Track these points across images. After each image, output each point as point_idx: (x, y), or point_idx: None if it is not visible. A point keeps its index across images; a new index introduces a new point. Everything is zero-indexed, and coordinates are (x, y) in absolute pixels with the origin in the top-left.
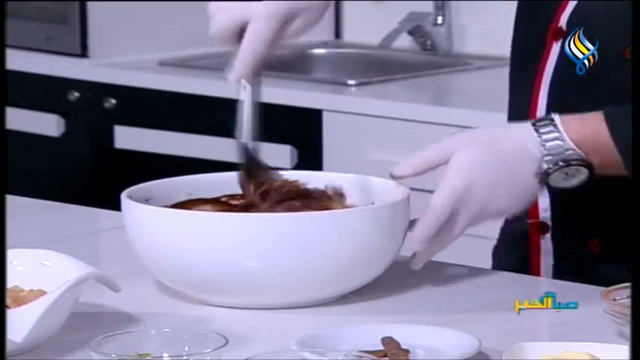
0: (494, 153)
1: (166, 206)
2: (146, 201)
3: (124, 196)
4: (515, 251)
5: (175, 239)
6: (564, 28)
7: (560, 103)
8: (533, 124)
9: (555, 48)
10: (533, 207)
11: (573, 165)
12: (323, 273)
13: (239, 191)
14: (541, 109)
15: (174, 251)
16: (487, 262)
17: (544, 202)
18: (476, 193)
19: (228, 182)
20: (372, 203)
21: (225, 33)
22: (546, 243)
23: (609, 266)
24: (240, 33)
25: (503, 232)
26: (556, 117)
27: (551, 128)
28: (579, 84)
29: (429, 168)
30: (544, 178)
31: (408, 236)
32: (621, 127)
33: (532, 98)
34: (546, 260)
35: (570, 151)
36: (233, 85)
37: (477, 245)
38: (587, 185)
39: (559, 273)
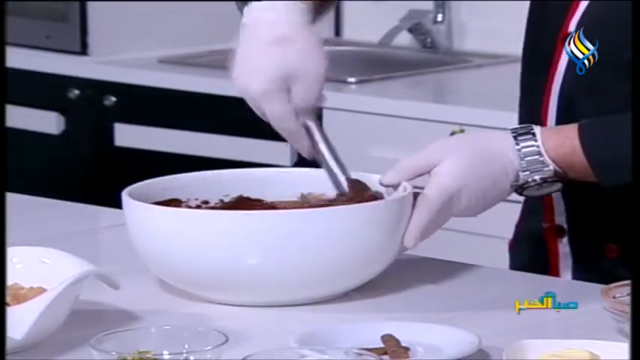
0: (481, 160)
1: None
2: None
3: (124, 194)
4: (534, 255)
5: (176, 237)
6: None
7: (571, 108)
8: (514, 135)
9: (565, 53)
10: (549, 210)
11: (549, 181)
12: (325, 270)
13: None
14: (551, 114)
15: (175, 249)
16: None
17: (560, 206)
18: (463, 198)
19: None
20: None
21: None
22: (564, 247)
23: (627, 271)
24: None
25: (518, 228)
26: (536, 129)
27: (531, 142)
28: (589, 89)
29: (416, 174)
30: (519, 190)
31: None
32: (594, 141)
33: (543, 103)
34: (565, 264)
35: (548, 167)
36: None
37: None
38: (602, 190)
39: (578, 277)
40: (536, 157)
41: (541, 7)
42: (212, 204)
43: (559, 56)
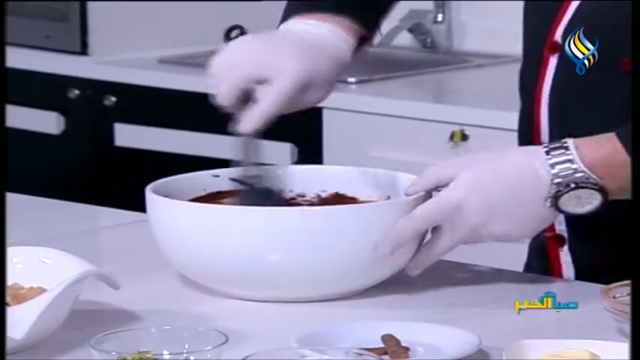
0: (499, 176)
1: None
2: (166, 196)
3: (148, 190)
4: (539, 264)
5: (200, 233)
6: (560, 42)
7: (561, 115)
8: (545, 148)
9: (552, 62)
10: None
11: (584, 187)
12: (347, 267)
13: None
14: (543, 121)
15: (198, 245)
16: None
17: (559, 215)
18: (469, 214)
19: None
20: (388, 197)
21: (234, 92)
22: (565, 255)
23: (627, 276)
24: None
25: (530, 247)
26: (569, 141)
27: (562, 151)
28: (578, 96)
29: (438, 186)
30: (554, 202)
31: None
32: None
33: (534, 109)
34: (568, 272)
35: (581, 174)
36: (243, 135)
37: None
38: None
39: None
40: (568, 164)
41: (534, 7)
42: (308, 198)
43: (546, 65)
